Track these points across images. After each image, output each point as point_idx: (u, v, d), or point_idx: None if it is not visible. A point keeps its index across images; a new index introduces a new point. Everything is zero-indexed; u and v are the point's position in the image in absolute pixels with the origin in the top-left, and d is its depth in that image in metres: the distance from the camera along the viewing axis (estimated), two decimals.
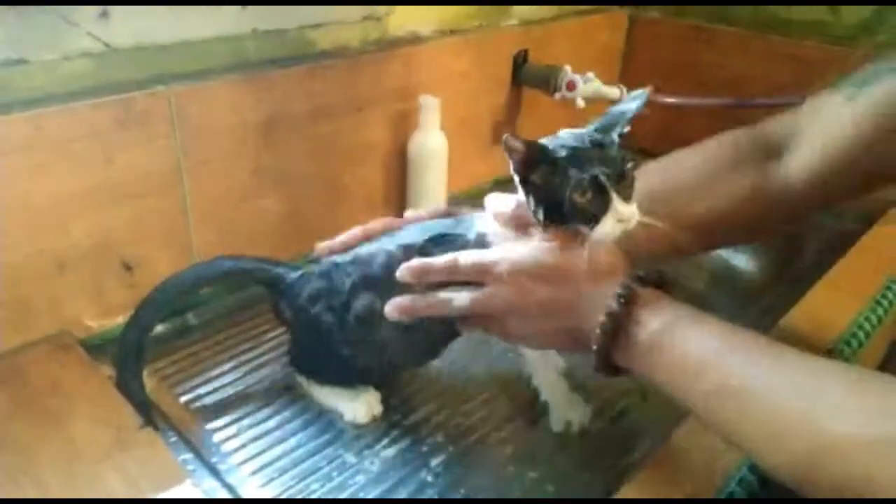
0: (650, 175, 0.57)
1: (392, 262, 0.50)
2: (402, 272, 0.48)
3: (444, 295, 0.48)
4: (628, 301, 0.41)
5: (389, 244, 0.52)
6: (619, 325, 0.41)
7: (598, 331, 0.42)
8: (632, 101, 0.49)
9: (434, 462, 0.55)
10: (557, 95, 0.90)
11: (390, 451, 0.56)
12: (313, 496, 0.52)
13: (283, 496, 0.51)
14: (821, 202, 0.56)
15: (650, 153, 1.12)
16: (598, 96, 0.91)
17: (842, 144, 0.51)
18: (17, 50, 0.55)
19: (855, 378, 0.35)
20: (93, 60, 0.59)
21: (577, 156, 0.44)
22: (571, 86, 0.89)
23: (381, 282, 0.51)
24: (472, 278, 0.47)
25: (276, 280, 0.56)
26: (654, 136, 1.12)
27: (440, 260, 0.48)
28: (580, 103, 0.89)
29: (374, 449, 0.56)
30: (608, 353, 0.42)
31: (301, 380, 0.59)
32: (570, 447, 0.57)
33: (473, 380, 0.64)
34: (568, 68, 0.89)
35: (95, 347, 0.62)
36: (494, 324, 0.48)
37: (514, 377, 0.62)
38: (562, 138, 0.47)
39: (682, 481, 0.49)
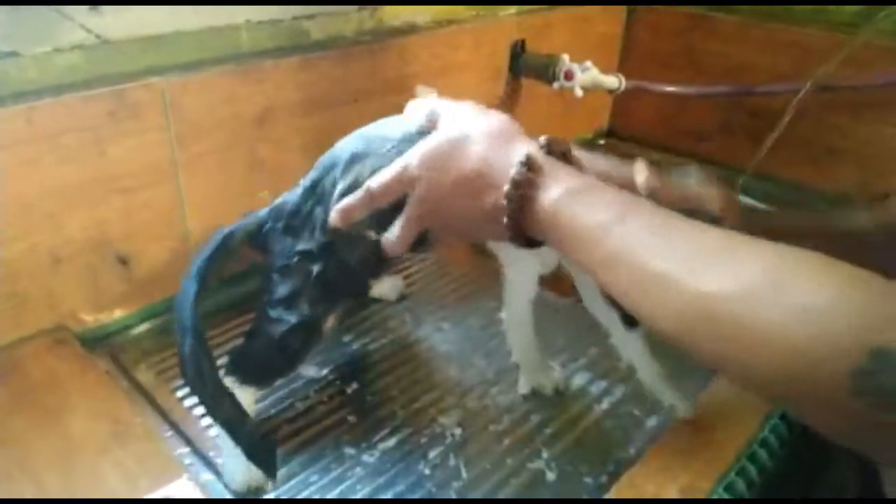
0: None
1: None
2: (332, 221, 0.48)
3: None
4: (530, 168, 0.40)
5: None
6: (523, 193, 0.40)
7: (503, 200, 0.41)
8: None
9: (432, 454, 0.55)
10: (556, 85, 0.89)
11: (388, 443, 0.56)
12: (311, 488, 0.51)
13: (280, 490, 0.51)
14: None
15: (650, 143, 1.12)
16: (596, 85, 0.90)
17: None
18: (9, 42, 0.54)
19: (725, 238, 0.35)
20: (85, 53, 0.59)
21: None
22: (569, 75, 0.88)
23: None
24: (396, 194, 0.46)
25: (266, 213, 0.55)
26: (654, 126, 1.12)
27: (355, 197, 0.47)
28: (578, 92, 0.88)
29: (371, 441, 0.56)
30: (517, 220, 0.41)
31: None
32: (569, 437, 0.57)
33: (471, 371, 0.64)
34: (566, 57, 0.88)
35: (92, 342, 0.62)
36: (431, 219, 0.46)
37: (511, 368, 0.62)
38: None
39: (680, 472, 0.49)
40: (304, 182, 0.53)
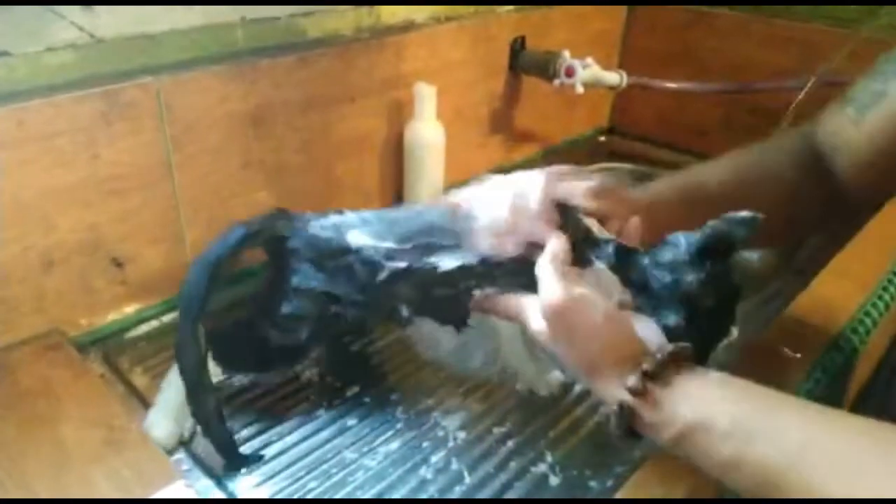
0: (711, 170, 0.56)
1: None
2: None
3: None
4: (631, 416, 0.40)
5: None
6: (632, 412, 0.40)
7: (613, 416, 0.41)
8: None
9: (434, 458, 0.54)
10: (556, 82, 0.88)
11: (390, 447, 0.55)
12: (312, 494, 0.50)
13: (280, 495, 0.50)
14: (873, 204, 0.56)
15: (651, 139, 1.12)
16: (597, 82, 0.89)
17: (865, 162, 0.51)
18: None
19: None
20: (77, 52, 0.57)
21: None
22: (570, 72, 0.87)
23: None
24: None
25: (294, 225, 0.55)
26: (654, 123, 1.11)
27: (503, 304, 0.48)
28: (579, 89, 0.87)
29: (373, 445, 0.55)
30: (627, 429, 0.41)
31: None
32: (573, 440, 0.56)
33: (473, 374, 0.62)
34: (566, 54, 0.88)
35: (86, 346, 0.61)
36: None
37: (514, 370, 0.61)
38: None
39: (686, 474, 0.48)
40: (348, 235, 0.52)
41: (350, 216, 0.54)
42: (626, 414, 0.40)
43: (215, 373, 0.54)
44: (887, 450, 0.34)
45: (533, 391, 0.59)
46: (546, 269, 0.45)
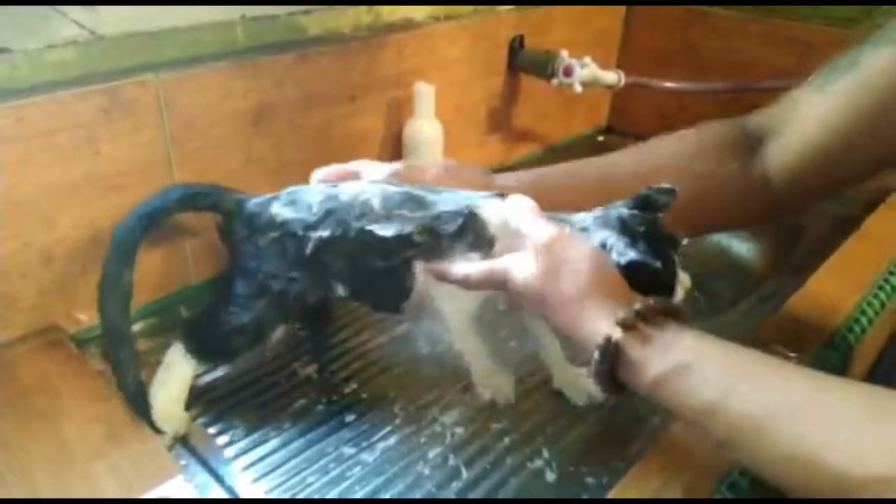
0: (628, 156, 0.57)
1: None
2: (430, 272, 0.49)
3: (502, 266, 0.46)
4: (614, 354, 0.40)
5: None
6: (617, 354, 0.40)
7: (597, 352, 0.40)
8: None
9: (432, 454, 0.54)
10: (554, 81, 0.89)
11: (387, 443, 0.55)
12: (310, 489, 0.51)
13: (279, 490, 0.51)
14: (799, 198, 0.55)
15: (648, 138, 1.11)
16: (595, 81, 0.90)
17: (815, 139, 0.51)
18: (0, 39, 0.53)
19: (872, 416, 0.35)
20: (78, 49, 0.58)
21: None
22: (568, 71, 0.87)
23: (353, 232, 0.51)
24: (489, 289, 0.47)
25: (236, 202, 0.55)
26: (653, 122, 1.11)
27: (450, 273, 0.48)
28: (577, 88, 0.88)
29: (371, 440, 0.55)
30: (609, 373, 0.41)
31: (174, 352, 0.55)
32: (569, 436, 0.56)
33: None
34: (565, 53, 0.88)
35: (86, 342, 0.61)
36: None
37: (514, 364, 0.61)
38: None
39: (683, 469, 0.49)
40: (275, 210, 0.53)
41: (286, 191, 0.54)
42: (613, 348, 0.39)
43: (189, 374, 0.55)
44: (871, 403, 0.35)
45: (494, 398, 0.57)
46: (528, 215, 0.46)
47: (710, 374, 0.38)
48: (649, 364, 0.39)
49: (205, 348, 0.55)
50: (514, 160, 1.02)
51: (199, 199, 0.56)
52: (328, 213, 0.51)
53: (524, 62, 0.92)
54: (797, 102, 0.53)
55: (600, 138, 1.15)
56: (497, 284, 0.46)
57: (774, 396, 0.36)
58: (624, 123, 1.15)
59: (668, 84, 0.97)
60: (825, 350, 0.63)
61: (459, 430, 0.56)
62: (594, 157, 0.60)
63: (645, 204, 0.46)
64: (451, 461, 0.53)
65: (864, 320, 0.68)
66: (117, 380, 0.52)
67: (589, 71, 0.88)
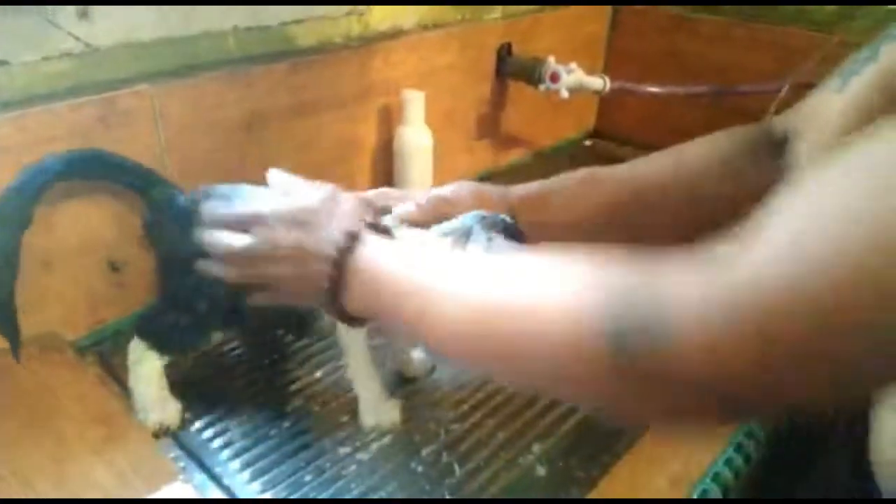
0: (662, 160, 0.57)
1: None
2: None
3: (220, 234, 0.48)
4: (354, 237, 0.43)
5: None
6: (343, 261, 0.43)
7: (325, 267, 0.43)
8: None
9: (425, 451, 0.55)
10: (542, 87, 0.90)
11: (382, 442, 0.56)
12: (306, 488, 0.52)
13: (275, 489, 0.52)
14: None
15: (635, 142, 1.14)
16: (581, 87, 0.91)
17: (831, 138, 0.51)
18: None
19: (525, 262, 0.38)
20: (74, 60, 0.59)
21: None
22: (555, 77, 0.89)
23: None
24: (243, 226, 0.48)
25: (167, 194, 0.56)
26: (639, 125, 1.13)
27: (208, 212, 0.50)
28: (564, 94, 0.89)
29: (365, 440, 0.56)
30: (335, 292, 0.43)
31: (136, 349, 0.56)
32: (559, 432, 0.57)
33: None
34: (551, 60, 0.90)
35: (84, 347, 0.62)
36: (253, 268, 0.47)
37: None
38: None
39: (669, 462, 0.50)
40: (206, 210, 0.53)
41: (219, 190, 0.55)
42: (339, 257, 0.43)
43: (158, 364, 0.56)
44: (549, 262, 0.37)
45: (378, 425, 0.58)
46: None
47: (406, 268, 0.42)
48: (375, 246, 0.43)
49: (158, 343, 0.56)
50: (503, 165, 1.04)
51: (95, 171, 0.56)
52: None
53: (512, 69, 0.94)
54: (817, 104, 0.53)
55: (588, 143, 1.17)
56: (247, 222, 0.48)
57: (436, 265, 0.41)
58: (611, 128, 1.17)
59: (653, 89, 0.99)
60: None
61: (453, 428, 0.57)
62: (616, 164, 0.60)
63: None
64: (445, 458, 0.55)
65: None
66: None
67: (575, 77, 0.90)
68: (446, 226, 0.49)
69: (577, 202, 0.55)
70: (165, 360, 0.56)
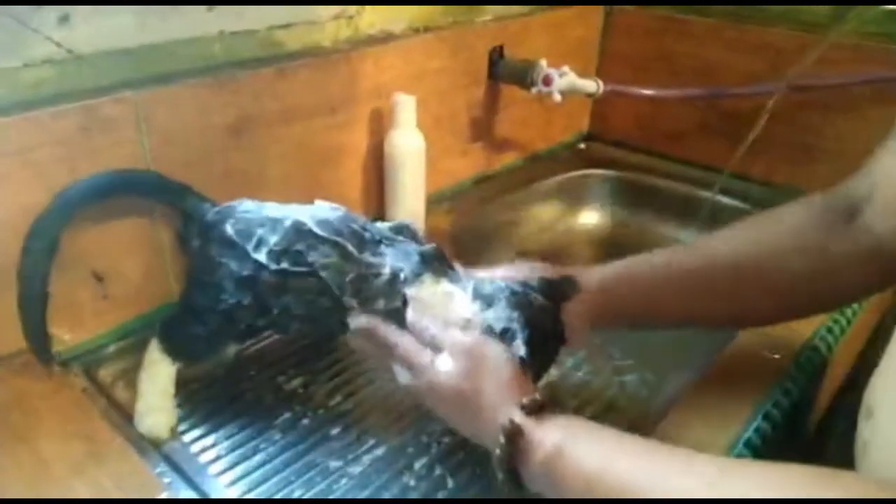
0: (728, 243, 0.55)
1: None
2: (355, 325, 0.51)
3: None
4: (512, 440, 0.43)
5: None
6: (514, 444, 0.43)
7: (497, 451, 0.43)
8: None
9: (418, 464, 0.54)
10: (534, 90, 0.89)
11: (374, 455, 0.55)
12: None
13: None
14: None
15: (629, 145, 1.13)
16: (574, 90, 0.91)
17: None
18: None
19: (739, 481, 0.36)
20: (55, 67, 0.58)
21: None
22: (547, 80, 0.88)
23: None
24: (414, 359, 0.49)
25: (196, 207, 0.57)
26: (631, 128, 1.13)
27: (391, 336, 0.50)
28: (557, 97, 0.89)
29: (357, 453, 0.55)
30: (512, 469, 0.43)
31: (153, 350, 0.57)
32: None
33: None
34: (543, 63, 0.89)
35: (68, 360, 0.61)
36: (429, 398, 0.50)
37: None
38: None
39: None
40: (227, 227, 0.53)
41: (243, 206, 0.56)
42: (515, 430, 0.43)
43: (171, 372, 0.56)
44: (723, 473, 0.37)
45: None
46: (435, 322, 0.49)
47: (594, 447, 0.42)
48: (544, 441, 0.42)
49: (174, 349, 0.56)
50: (496, 169, 1.03)
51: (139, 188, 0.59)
52: (275, 241, 0.51)
53: (504, 72, 0.93)
54: (878, 167, 0.51)
55: (581, 146, 1.17)
56: (418, 367, 0.49)
57: (651, 469, 0.39)
58: (604, 130, 1.16)
59: (646, 91, 0.98)
60: (806, 351, 0.64)
61: (445, 440, 0.56)
62: (685, 245, 0.59)
63: (552, 291, 0.51)
64: (437, 471, 0.54)
65: (843, 321, 0.69)
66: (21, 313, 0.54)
67: (568, 80, 0.89)
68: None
69: (652, 294, 0.55)
70: (178, 365, 0.57)
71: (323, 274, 0.50)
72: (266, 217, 0.53)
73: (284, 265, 0.51)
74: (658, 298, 0.55)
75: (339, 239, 0.51)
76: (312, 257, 0.50)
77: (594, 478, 0.40)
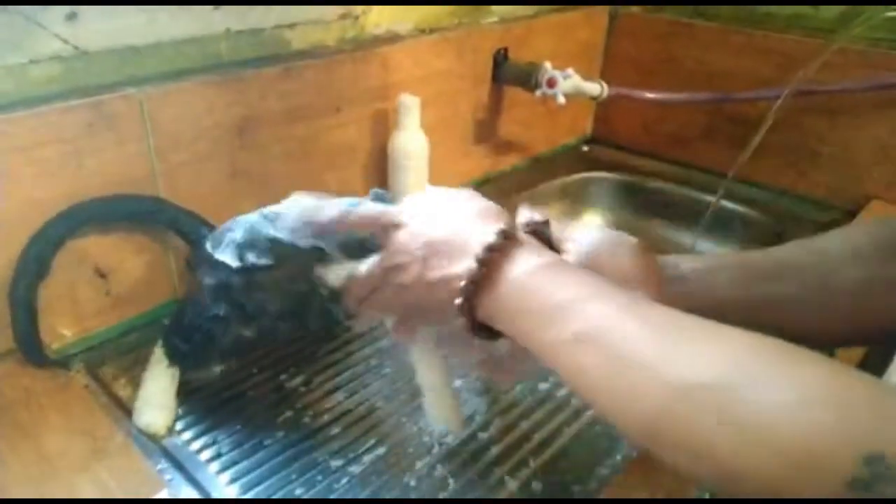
0: (801, 255, 0.52)
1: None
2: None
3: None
4: (506, 237, 0.39)
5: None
6: (493, 258, 0.38)
7: (473, 264, 0.39)
8: None
9: (419, 464, 0.54)
10: (538, 92, 0.90)
11: (374, 454, 0.55)
12: None
13: None
14: None
15: (633, 149, 1.13)
16: (578, 92, 0.91)
17: None
18: None
19: (715, 329, 0.33)
20: (62, 64, 0.58)
21: None
22: (552, 82, 0.88)
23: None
24: (366, 230, 0.46)
25: (200, 233, 0.59)
26: (635, 132, 1.13)
27: (333, 206, 0.46)
28: (561, 100, 0.89)
29: (357, 452, 0.55)
30: (472, 301, 0.39)
31: (159, 352, 0.57)
32: (555, 445, 0.56)
33: (459, 379, 0.63)
34: (548, 65, 0.89)
35: (70, 357, 0.61)
36: (393, 276, 0.44)
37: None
38: None
39: (668, 475, 0.49)
40: (208, 246, 0.53)
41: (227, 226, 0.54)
42: (499, 243, 0.39)
43: (171, 379, 0.57)
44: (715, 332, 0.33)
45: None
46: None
47: (574, 278, 0.38)
48: (521, 260, 0.38)
49: (170, 356, 0.57)
50: (500, 171, 1.03)
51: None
52: (240, 236, 0.51)
53: (508, 74, 0.93)
54: None
55: (585, 148, 1.17)
56: (381, 225, 0.45)
57: (627, 314, 0.35)
58: (608, 134, 1.16)
59: (651, 95, 0.98)
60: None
61: (447, 441, 0.56)
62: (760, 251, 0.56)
63: None
64: (439, 471, 0.54)
65: None
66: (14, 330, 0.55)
67: (572, 82, 0.89)
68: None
69: (730, 293, 0.50)
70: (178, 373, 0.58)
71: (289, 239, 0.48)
72: (236, 220, 0.52)
73: (251, 258, 0.49)
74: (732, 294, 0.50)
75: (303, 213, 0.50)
76: (278, 240, 0.49)
77: (570, 309, 0.35)
